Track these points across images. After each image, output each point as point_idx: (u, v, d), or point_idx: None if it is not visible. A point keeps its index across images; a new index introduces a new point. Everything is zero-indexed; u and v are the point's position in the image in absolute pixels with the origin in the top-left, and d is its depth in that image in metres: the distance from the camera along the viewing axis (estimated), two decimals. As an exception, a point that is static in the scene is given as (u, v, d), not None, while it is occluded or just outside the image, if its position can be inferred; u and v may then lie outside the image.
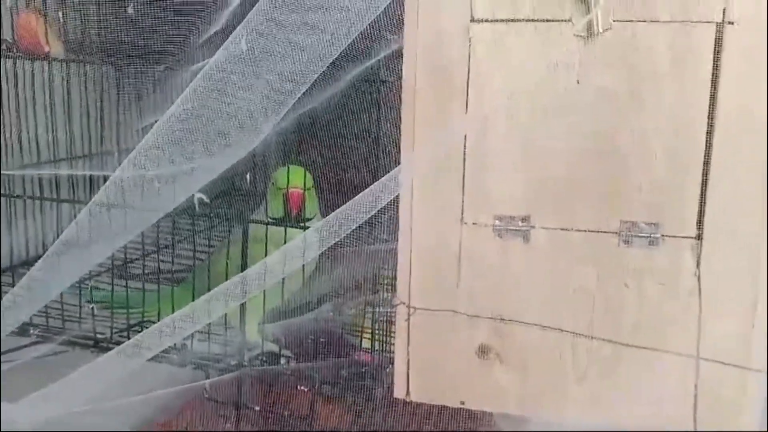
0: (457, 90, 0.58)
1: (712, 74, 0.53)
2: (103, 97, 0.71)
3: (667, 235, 0.56)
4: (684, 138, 0.54)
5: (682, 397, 0.57)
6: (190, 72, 0.58)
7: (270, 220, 0.70)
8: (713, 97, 0.53)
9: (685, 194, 0.55)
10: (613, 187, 0.56)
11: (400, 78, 0.58)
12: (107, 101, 0.71)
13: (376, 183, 0.57)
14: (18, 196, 0.73)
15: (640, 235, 0.56)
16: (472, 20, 0.56)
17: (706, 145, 0.54)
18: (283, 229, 0.68)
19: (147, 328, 0.71)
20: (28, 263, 0.80)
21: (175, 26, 0.60)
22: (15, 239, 0.78)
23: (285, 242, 0.66)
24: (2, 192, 0.73)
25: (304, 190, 0.70)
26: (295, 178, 0.69)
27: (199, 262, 0.75)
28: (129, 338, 0.71)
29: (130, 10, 0.60)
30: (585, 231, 0.57)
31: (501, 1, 0.56)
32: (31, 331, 0.74)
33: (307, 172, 0.71)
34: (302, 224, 0.69)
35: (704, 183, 0.54)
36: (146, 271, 0.74)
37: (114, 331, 0.72)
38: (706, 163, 0.54)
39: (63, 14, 0.67)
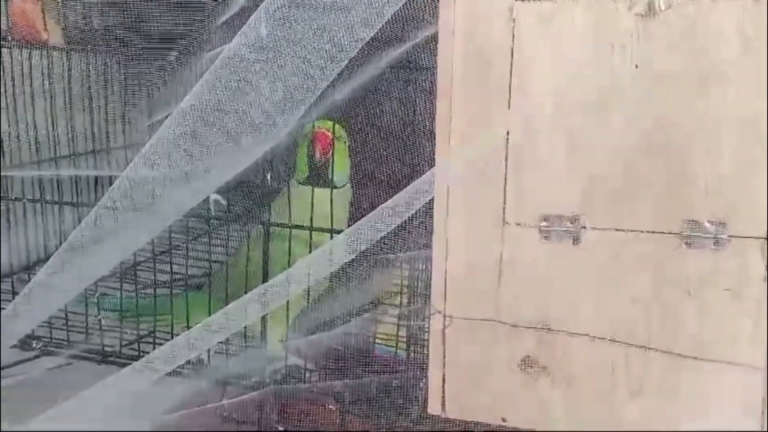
0: (499, 77, 0.53)
1: (787, 57, 0.47)
2: (108, 88, 0.65)
3: (733, 236, 0.51)
4: (753, 128, 0.49)
5: (749, 413, 0.52)
6: (204, 60, 0.52)
7: (297, 183, 0.64)
8: (787, 83, 0.48)
9: (754, 190, 0.50)
10: (674, 184, 0.51)
11: (435, 65, 0.53)
12: (112, 93, 0.66)
13: (410, 185, 0.52)
14: (17, 199, 0.68)
15: (704, 235, 0.51)
16: (517, -2, 0.51)
17: (778, 136, 0.49)
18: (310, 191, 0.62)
19: (158, 338, 0.66)
20: (29, 268, 0.76)
21: (187, 9, 0.54)
22: (14, 244, 0.72)
23: (312, 204, 0.60)
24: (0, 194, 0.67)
25: (333, 135, 0.62)
26: (323, 124, 0.62)
27: (215, 266, 0.69)
28: (139, 350, 0.66)
29: (136, -9, 0.54)
30: (642, 232, 0.52)
31: (549, -24, 0.50)
32: (34, 345, 0.69)
33: (339, 126, 0.63)
34: (331, 184, 0.62)
35: (776, 178, 0.49)
36: (157, 276, 0.69)
37: (123, 342, 0.67)
38: (778, 156, 0.49)
39: (63, -3, 0.61)
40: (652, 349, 0.54)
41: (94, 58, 0.66)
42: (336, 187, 0.64)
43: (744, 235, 0.51)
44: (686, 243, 0.52)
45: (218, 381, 0.62)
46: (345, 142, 0.64)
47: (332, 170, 0.63)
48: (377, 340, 0.65)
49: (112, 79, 0.65)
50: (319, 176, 0.63)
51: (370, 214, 0.53)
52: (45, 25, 0.63)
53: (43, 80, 0.65)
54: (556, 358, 0.56)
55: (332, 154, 0.63)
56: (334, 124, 0.63)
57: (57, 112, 0.65)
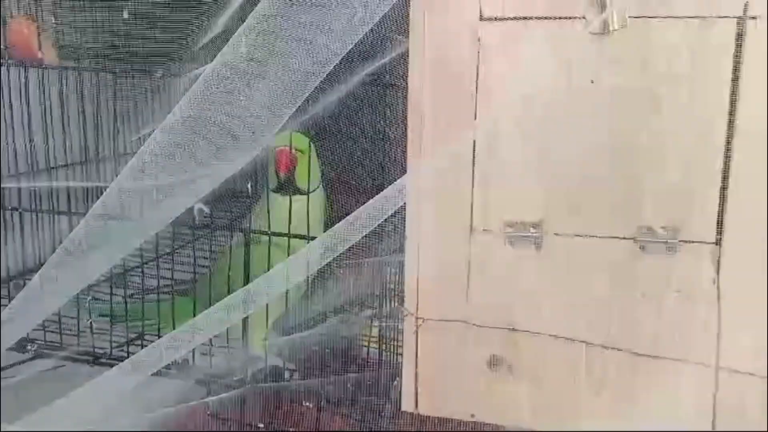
0: (465, 92, 0.56)
1: (733, 72, 0.51)
2: (100, 104, 0.69)
3: (685, 241, 0.54)
4: (703, 139, 0.52)
5: (701, 408, 0.55)
6: (189, 78, 0.56)
7: (272, 192, 0.68)
8: (734, 96, 0.51)
9: (703, 198, 0.53)
10: (629, 191, 0.54)
11: (406, 80, 0.56)
12: (104, 109, 0.69)
13: (383, 192, 0.55)
14: (14, 209, 0.71)
15: (657, 240, 0.54)
16: (481, 19, 0.54)
17: (726, 147, 0.52)
18: (287, 199, 0.65)
19: (146, 341, 0.69)
20: (25, 274, 0.79)
21: (172, 31, 0.58)
22: (11, 251, 0.76)
23: (290, 212, 0.63)
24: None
25: (291, 149, 0.66)
26: (282, 139, 0.66)
27: (200, 272, 0.72)
28: (128, 352, 0.69)
29: (125, 15, 0.58)
30: (599, 237, 0.55)
31: (511, -2, 0.54)
32: (29, 347, 0.72)
33: (304, 136, 0.67)
34: (303, 191, 0.66)
35: (724, 186, 0.52)
36: (146, 282, 0.72)
37: (113, 345, 0.70)
38: (726, 166, 0.52)
39: (56, 20, 0.64)
40: (611, 347, 0.57)
41: (86, 76, 0.69)
42: (304, 194, 0.67)
43: (694, 240, 0.54)
44: (641, 247, 0.55)
45: (202, 381, 0.65)
46: (308, 151, 0.67)
47: (296, 181, 0.67)
48: (353, 342, 0.68)
49: (103, 96, 0.68)
50: (285, 188, 0.67)
51: (343, 220, 0.56)
52: (40, 45, 0.66)
53: (39, 96, 0.68)
54: (521, 356, 0.58)
55: (294, 167, 0.66)
56: (291, 137, 0.66)
57: (53, 126, 0.69)
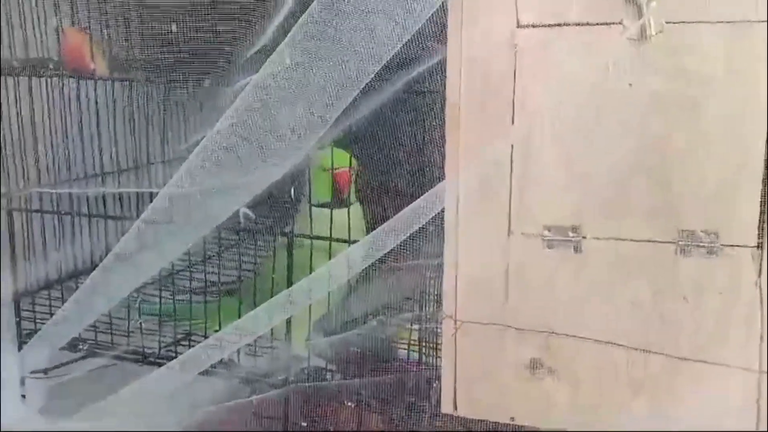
0: (503, 97, 0.56)
1: (771, 75, 0.51)
2: (149, 113, 0.72)
3: (726, 245, 0.54)
4: (742, 143, 0.52)
5: (744, 412, 0.55)
6: (235, 88, 0.58)
7: (314, 206, 0.70)
8: (773, 100, 0.51)
9: (744, 202, 0.53)
10: (669, 196, 0.54)
11: (444, 86, 0.57)
12: (152, 118, 0.72)
13: (422, 197, 0.56)
14: (67, 213, 0.75)
15: (699, 244, 0.54)
16: (518, 26, 0.55)
17: (766, 151, 0.52)
18: (329, 211, 0.67)
19: (194, 341, 0.72)
20: (76, 277, 0.82)
21: (219, 43, 0.60)
22: (63, 254, 0.79)
23: (331, 225, 0.65)
24: (49, 208, 0.74)
25: (350, 169, 0.69)
26: (342, 159, 0.69)
27: (245, 274, 0.75)
28: (176, 352, 0.72)
29: (174, 28, 0.60)
30: (639, 241, 0.55)
31: (548, 5, 0.54)
32: (81, 346, 0.75)
33: (344, 151, 0.69)
34: (347, 206, 0.68)
35: (764, 190, 0.52)
36: (193, 283, 0.74)
37: (162, 345, 0.73)
38: (767, 169, 0.52)
39: (108, 33, 0.68)
40: (651, 351, 0.57)
41: (136, 87, 0.72)
42: (346, 206, 0.70)
43: (735, 244, 0.54)
44: (681, 251, 0.55)
45: (246, 380, 0.67)
46: (348, 166, 0.70)
47: (350, 197, 0.69)
48: (394, 344, 0.70)
49: (151, 105, 0.71)
50: (338, 202, 0.70)
51: (384, 224, 0.58)
52: (92, 56, 0.70)
53: (89, 106, 0.72)
54: (561, 360, 0.59)
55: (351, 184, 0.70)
56: (332, 154, 0.68)
57: (102, 134, 0.72)
